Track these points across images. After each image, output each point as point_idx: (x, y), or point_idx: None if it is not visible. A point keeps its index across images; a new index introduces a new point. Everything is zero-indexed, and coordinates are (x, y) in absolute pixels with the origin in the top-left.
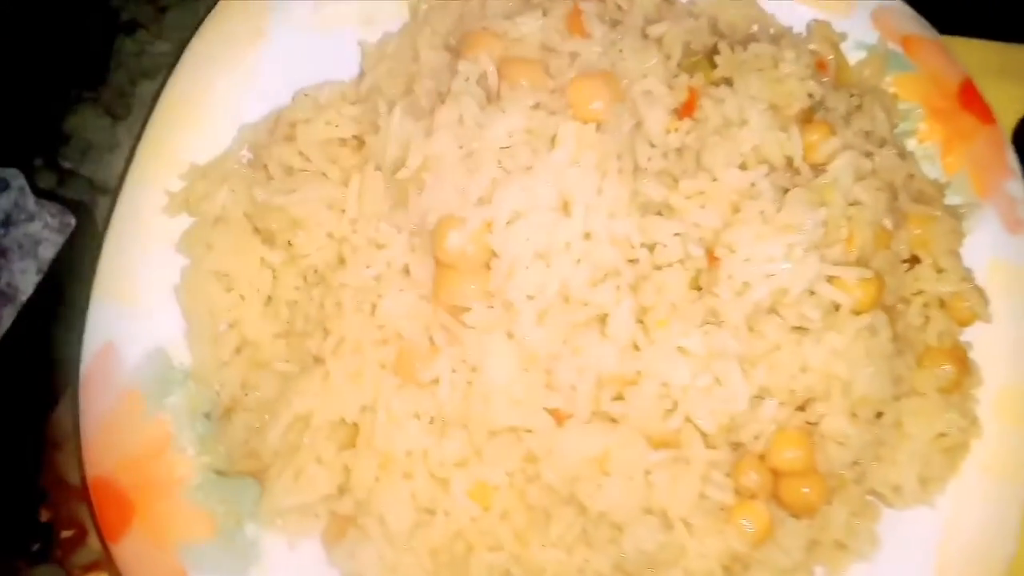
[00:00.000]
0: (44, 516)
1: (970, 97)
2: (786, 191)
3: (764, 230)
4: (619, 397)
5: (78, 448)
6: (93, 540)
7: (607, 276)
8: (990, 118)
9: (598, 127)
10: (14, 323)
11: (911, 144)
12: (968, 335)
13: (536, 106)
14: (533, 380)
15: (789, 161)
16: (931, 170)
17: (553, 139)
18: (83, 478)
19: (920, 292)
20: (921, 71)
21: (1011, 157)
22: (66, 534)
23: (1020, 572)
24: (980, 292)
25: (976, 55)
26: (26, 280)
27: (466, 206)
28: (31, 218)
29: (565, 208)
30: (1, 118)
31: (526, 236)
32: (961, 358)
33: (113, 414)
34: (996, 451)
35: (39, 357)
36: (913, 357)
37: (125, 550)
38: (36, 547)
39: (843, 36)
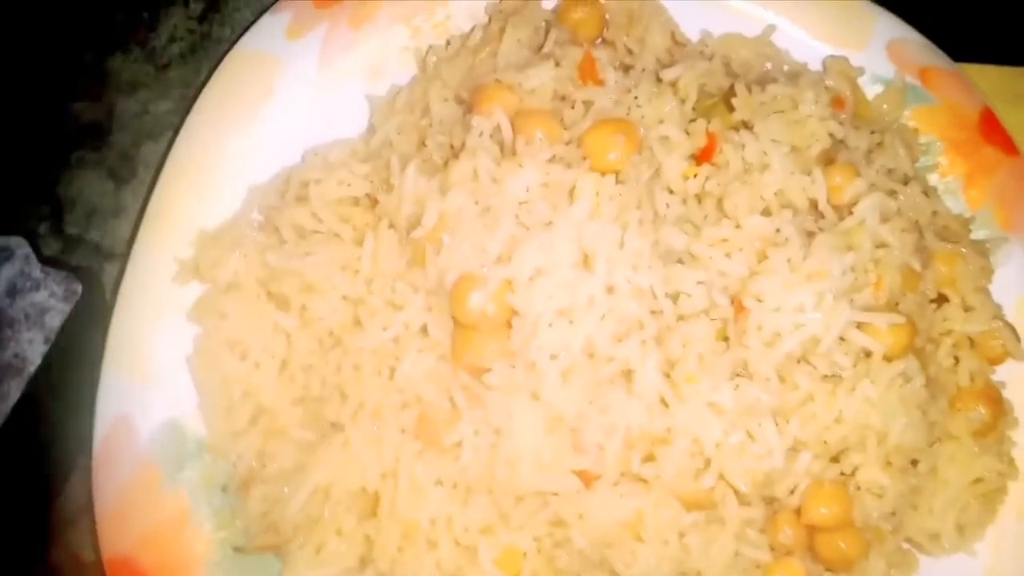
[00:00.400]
0: None
1: (991, 128)
2: (811, 235)
3: (792, 278)
4: (650, 458)
5: (92, 524)
6: None
7: (631, 330)
8: (1013, 149)
9: (617, 178)
10: (23, 395)
11: (933, 179)
12: (1000, 374)
13: (552, 159)
14: (559, 442)
15: (813, 204)
16: (954, 204)
17: (571, 192)
18: (97, 552)
19: (949, 332)
20: (940, 103)
21: None
22: None
23: None
24: (1011, 329)
25: (992, 82)
26: (33, 350)
27: (485, 264)
28: (37, 287)
29: (586, 263)
30: (3, 185)
31: (548, 294)
32: (995, 399)
33: (128, 490)
34: None
35: (48, 429)
36: (945, 400)
37: None
38: None
39: (860, 71)
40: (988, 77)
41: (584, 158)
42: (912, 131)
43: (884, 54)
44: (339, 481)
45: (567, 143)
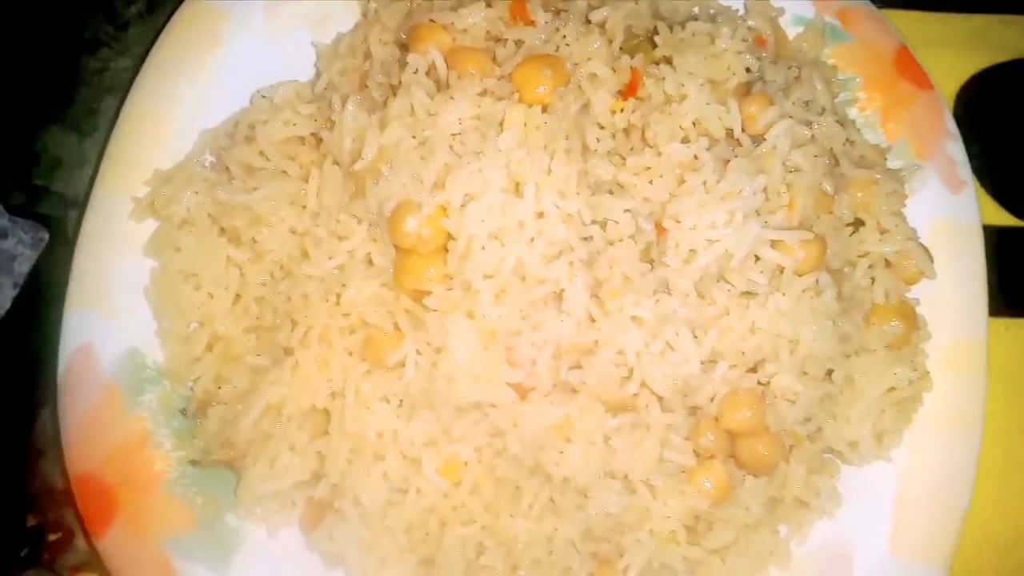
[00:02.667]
0: (31, 522)
1: (907, 64)
2: (727, 162)
3: (707, 199)
4: (577, 367)
5: (61, 453)
6: (79, 542)
7: (561, 253)
8: (927, 84)
9: (544, 109)
10: None
11: (852, 113)
12: (915, 292)
13: (484, 92)
14: (495, 357)
15: (729, 133)
16: (872, 137)
17: (501, 123)
18: (66, 479)
19: (866, 254)
20: (858, 41)
21: (949, 120)
22: (53, 537)
23: (975, 521)
24: (924, 250)
25: (915, 26)
26: (3, 295)
27: (421, 192)
28: (5, 235)
29: (516, 189)
30: None
31: (480, 218)
32: (908, 314)
33: (92, 412)
34: (948, 404)
35: (19, 369)
36: (861, 316)
37: (110, 544)
38: (24, 552)
39: (780, 11)
40: (912, 22)
41: (514, 92)
42: (831, 67)
43: None
44: (290, 400)
45: (498, 79)
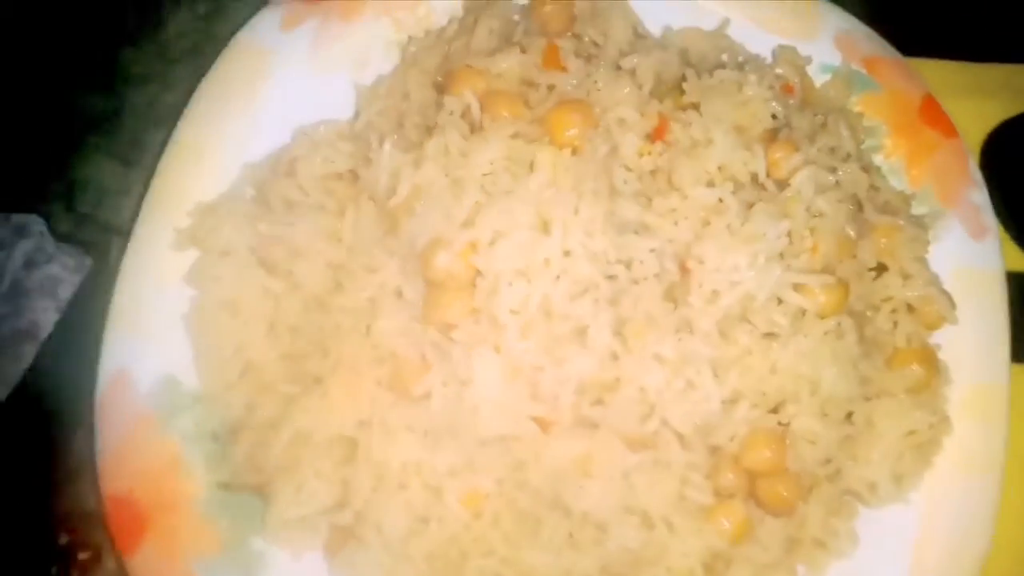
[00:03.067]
0: (62, 540)
1: (932, 112)
2: (752, 206)
3: (730, 241)
4: (599, 402)
5: (94, 476)
6: (108, 561)
7: (586, 290)
8: (952, 132)
9: (574, 152)
10: (35, 358)
11: (877, 160)
12: (937, 338)
13: (516, 135)
14: (519, 391)
15: (754, 178)
16: (897, 183)
17: (532, 164)
18: (98, 499)
19: (888, 298)
20: (884, 90)
21: (973, 168)
22: (83, 556)
23: (994, 567)
24: (946, 296)
25: (941, 75)
26: (46, 318)
27: (452, 229)
28: (50, 260)
29: (544, 228)
30: (22, 169)
31: (508, 255)
32: (930, 359)
33: (127, 435)
34: (967, 448)
35: (58, 390)
36: (882, 359)
37: (140, 563)
38: (55, 570)
39: (808, 59)
40: (938, 70)
41: (545, 135)
42: (857, 115)
43: (832, 44)
44: (319, 428)
45: (530, 122)
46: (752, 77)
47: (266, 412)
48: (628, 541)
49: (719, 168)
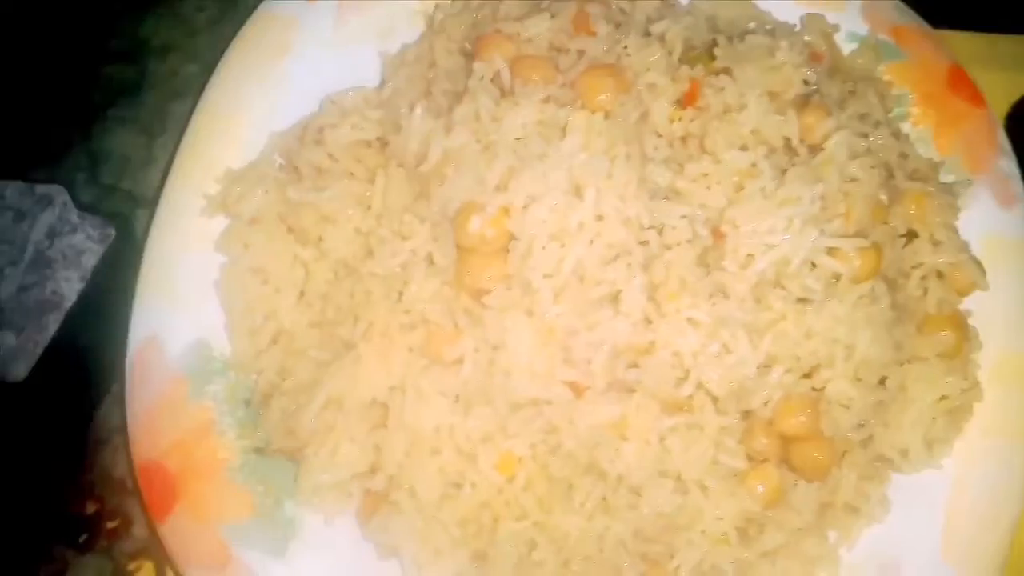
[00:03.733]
0: (90, 508)
1: (960, 82)
2: (785, 171)
3: (765, 205)
4: (634, 366)
5: (124, 442)
6: (137, 529)
7: (619, 255)
8: (980, 101)
9: (606, 116)
10: (60, 328)
11: (905, 127)
12: (966, 304)
13: (547, 99)
14: (552, 355)
15: (787, 143)
16: (925, 151)
17: (564, 129)
18: (129, 467)
19: (919, 265)
20: (911, 59)
21: (1002, 137)
22: (111, 524)
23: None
24: (977, 262)
25: (966, 47)
26: (70, 288)
27: (485, 194)
28: (74, 230)
29: (577, 192)
30: (46, 140)
31: (541, 219)
32: (960, 324)
33: (158, 401)
34: (998, 414)
35: (83, 360)
36: (914, 325)
37: (171, 529)
38: (84, 538)
39: (836, 28)
40: (963, 42)
41: (576, 99)
42: (885, 83)
43: (859, 14)
44: (351, 393)
45: (561, 86)
46: (784, 43)
47: (298, 378)
48: (662, 505)
49: (752, 132)
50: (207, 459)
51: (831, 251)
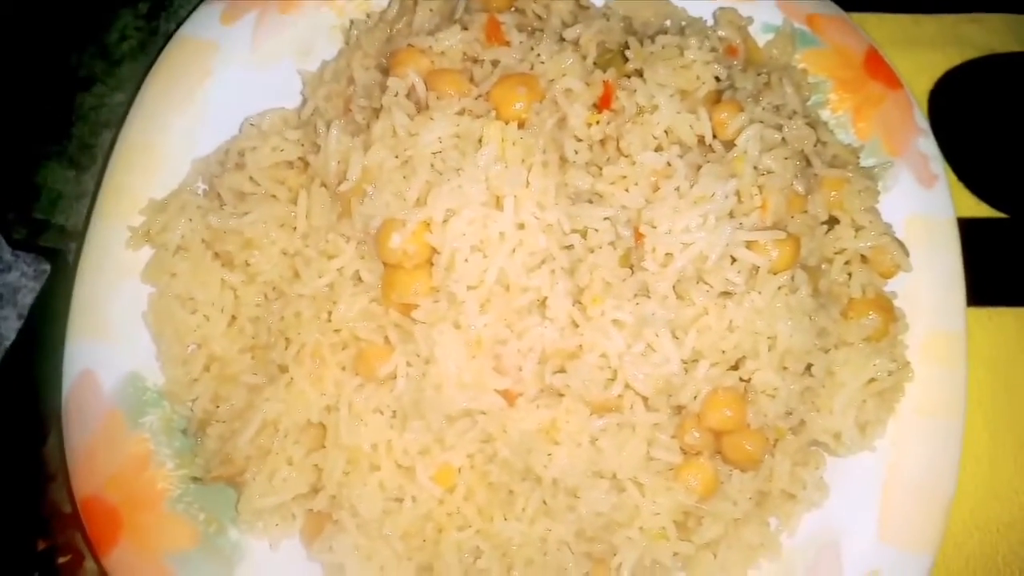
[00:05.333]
0: (41, 545)
1: (875, 65)
2: (700, 167)
3: (680, 204)
4: (561, 371)
5: (68, 477)
6: (89, 564)
7: (543, 262)
8: (896, 83)
9: (521, 125)
10: (0, 367)
11: (824, 115)
12: (892, 286)
13: (462, 112)
14: (482, 365)
15: (701, 140)
16: (845, 137)
17: (480, 140)
18: (74, 502)
19: (842, 251)
20: (827, 46)
21: (919, 117)
22: (63, 560)
23: (966, 507)
24: (899, 244)
25: (885, 28)
26: (8, 326)
27: (405, 209)
28: (8, 268)
29: (497, 203)
30: None
31: (461, 231)
32: (886, 307)
33: (96, 436)
34: (929, 393)
35: (26, 397)
36: (839, 311)
37: (116, 562)
38: (35, 575)
39: (749, 20)
40: (883, 24)
41: (491, 110)
42: (801, 71)
43: (773, 4)
44: (286, 416)
45: (476, 98)
46: (693, 41)
47: (233, 404)
48: (599, 505)
49: (665, 132)
50: (147, 490)
51: (749, 244)
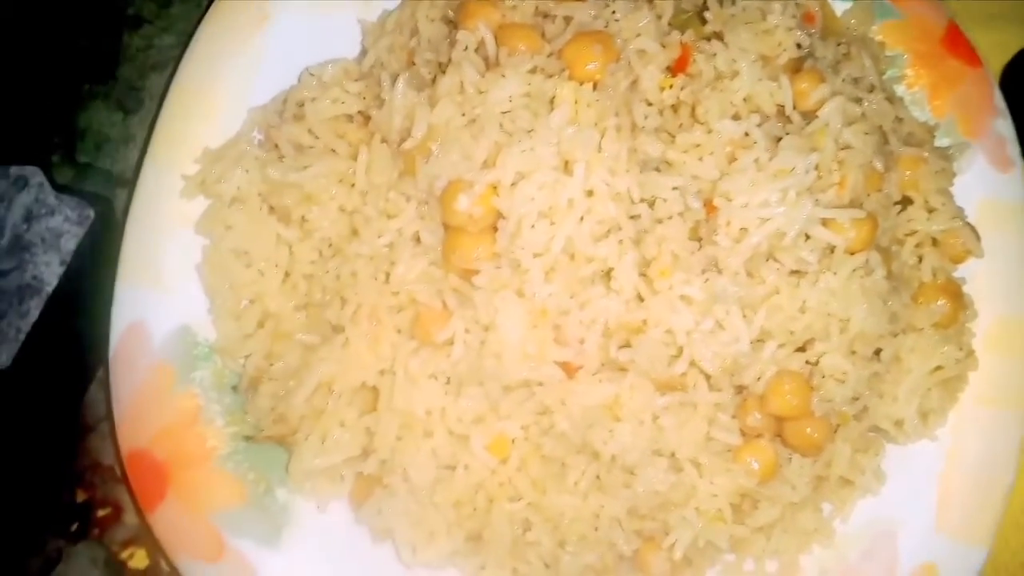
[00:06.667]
0: (80, 497)
1: (955, 41)
2: (779, 139)
3: (759, 177)
4: (626, 345)
5: (111, 428)
6: (128, 517)
7: (610, 231)
8: (976, 61)
9: (595, 87)
10: (41, 314)
11: (899, 90)
12: (961, 271)
13: (534, 70)
14: (543, 335)
15: (781, 109)
16: (920, 114)
17: (552, 101)
18: (117, 455)
19: (913, 232)
20: (906, 18)
21: (998, 97)
22: (102, 513)
23: (1019, 501)
24: (971, 229)
25: (962, 3)
26: (50, 272)
27: (472, 171)
28: (52, 212)
29: (566, 167)
30: (18, 118)
31: (530, 196)
32: (955, 293)
33: (143, 390)
34: (992, 383)
35: (67, 345)
36: (909, 295)
37: (161, 519)
38: (75, 527)
39: None
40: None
41: (564, 69)
42: (879, 44)
43: None
44: (341, 377)
45: (548, 55)
46: (776, 5)
47: (286, 362)
48: (656, 483)
49: (745, 100)
50: (195, 447)
51: (825, 222)
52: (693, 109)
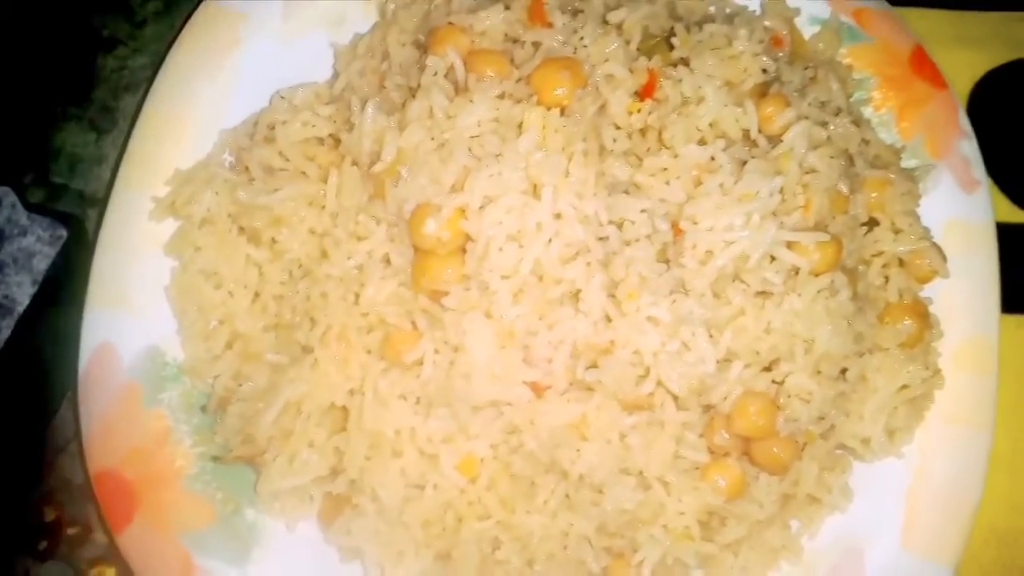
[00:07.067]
0: (49, 516)
1: (922, 64)
2: (744, 163)
3: (723, 201)
4: (594, 366)
5: (80, 448)
6: (97, 536)
7: (578, 253)
8: (942, 83)
9: (562, 112)
10: (12, 334)
11: (867, 112)
12: (928, 291)
13: (502, 95)
14: (511, 356)
15: (746, 134)
16: (887, 136)
17: (520, 126)
18: (86, 474)
19: (880, 253)
20: (874, 41)
21: (963, 119)
22: (71, 531)
23: (984, 516)
24: (937, 249)
25: (930, 24)
26: (22, 292)
27: (440, 194)
28: (24, 232)
29: (535, 191)
30: None
31: (498, 220)
32: (921, 313)
33: (112, 410)
34: (959, 401)
35: (38, 365)
36: (875, 315)
37: (130, 539)
38: (43, 545)
39: (796, 11)
40: (927, 20)
41: (532, 94)
42: (846, 67)
43: None
44: (310, 398)
45: (517, 81)
46: (742, 31)
47: (255, 383)
48: (625, 502)
49: (710, 125)
50: (164, 467)
51: (790, 244)
52: (660, 134)
